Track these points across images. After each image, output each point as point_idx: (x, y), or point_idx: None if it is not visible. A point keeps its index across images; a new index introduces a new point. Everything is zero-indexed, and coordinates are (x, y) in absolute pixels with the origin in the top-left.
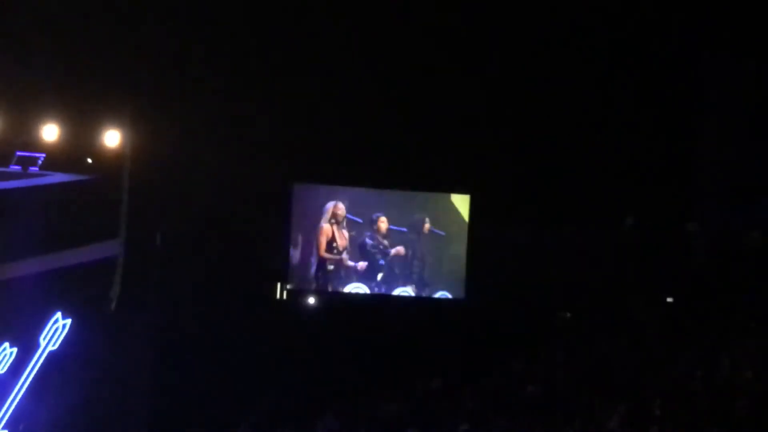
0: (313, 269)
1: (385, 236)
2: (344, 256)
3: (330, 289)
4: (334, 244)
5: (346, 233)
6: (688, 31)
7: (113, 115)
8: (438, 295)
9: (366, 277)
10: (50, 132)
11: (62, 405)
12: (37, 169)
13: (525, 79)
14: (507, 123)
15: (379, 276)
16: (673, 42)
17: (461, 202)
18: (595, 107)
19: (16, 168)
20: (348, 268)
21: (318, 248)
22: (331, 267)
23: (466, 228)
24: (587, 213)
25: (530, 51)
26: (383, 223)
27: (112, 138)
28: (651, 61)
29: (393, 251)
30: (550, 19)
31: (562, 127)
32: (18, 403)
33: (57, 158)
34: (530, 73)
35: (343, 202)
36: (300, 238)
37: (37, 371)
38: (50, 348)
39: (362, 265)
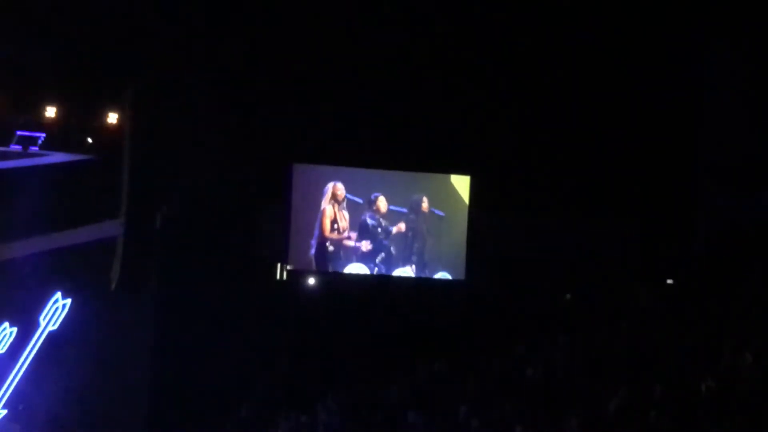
0: (313, 250)
1: (385, 216)
2: (346, 236)
3: (330, 269)
4: (336, 225)
5: (346, 214)
6: (691, 17)
7: (114, 95)
8: (438, 275)
9: (366, 257)
10: (50, 111)
11: (61, 385)
12: (37, 148)
13: (527, 61)
14: (508, 105)
15: (380, 257)
16: (677, 27)
17: (461, 184)
18: (597, 92)
19: (16, 147)
20: (349, 248)
21: (321, 229)
22: (331, 248)
23: (466, 209)
24: (588, 195)
25: (533, 33)
26: (383, 203)
27: (112, 118)
28: (654, 47)
29: (394, 229)
30: (553, 4)
31: (563, 109)
32: (17, 383)
33: (57, 138)
34: (533, 55)
35: (343, 183)
36: (300, 219)
37: (37, 351)
38: (50, 328)
39: (366, 245)
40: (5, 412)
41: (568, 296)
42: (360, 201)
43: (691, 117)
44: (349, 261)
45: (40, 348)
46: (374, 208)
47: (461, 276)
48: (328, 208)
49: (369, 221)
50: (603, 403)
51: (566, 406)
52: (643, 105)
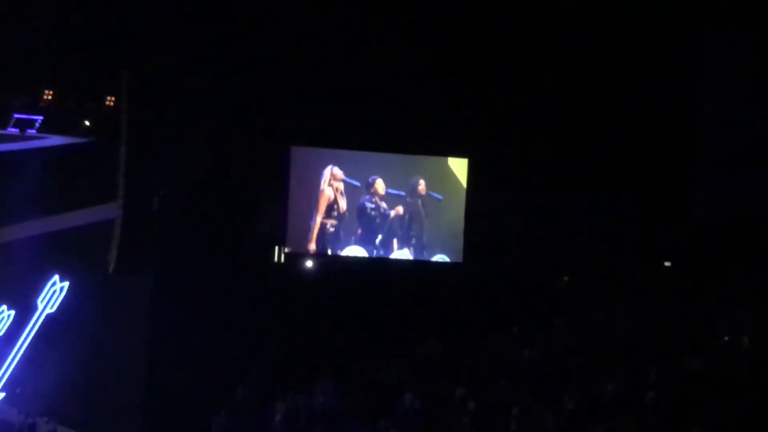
0: (312, 232)
1: (383, 199)
2: (344, 221)
3: (329, 252)
4: (335, 207)
5: (345, 196)
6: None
7: (111, 78)
8: (436, 258)
9: (364, 240)
10: (48, 94)
11: (58, 368)
12: (34, 131)
13: (525, 43)
14: (505, 87)
15: (378, 239)
16: (674, 12)
17: (458, 166)
18: (595, 72)
19: (13, 130)
20: (347, 231)
21: (319, 211)
22: (330, 230)
23: (463, 192)
24: (586, 177)
25: (531, 16)
26: (380, 186)
27: (110, 101)
28: (652, 30)
29: (392, 212)
30: None
31: (561, 91)
32: (15, 365)
33: (54, 121)
34: (530, 37)
35: (341, 166)
36: (298, 202)
37: (35, 333)
38: (48, 311)
39: (364, 228)
40: (3, 395)
41: (566, 278)
42: (357, 184)
43: (688, 99)
44: (347, 244)
45: (37, 331)
46: (372, 191)
47: (459, 259)
48: (327, 189)
49: (367, 204)
50: (600, 384)
51: (563, 388)
52: (640, 87)
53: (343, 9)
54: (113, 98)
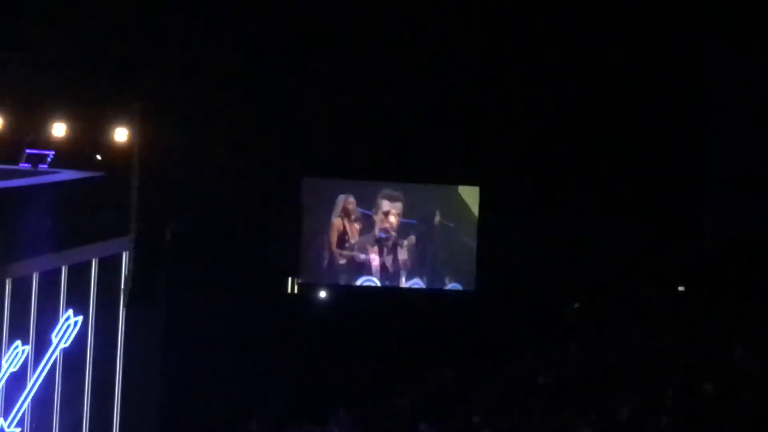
0: (325, 263)
1: (395, 229)
2: (356, 251)
3: (342, 282)
4: (347, 238)
5: (357, 226)
6: (700, 21)
7: (122, 112)
8: (449, 287)
9: (377, 270)
10: (59, 129)
11: (73, 402)
12: (46, 166)
13: (534, 69)
14: (516, 115)
15: (391, 269)
16: (685, 32)
17: (470, 195)
18: (604, 98)
19: (25, 166)
20: (360, 262)
21: (329, 243)
22: (342, 261)
23: (475, 220)
24: (597, 203)
25: (540, 42)
26: (393, 216)
27: (121, 134)
28: (663, 51)
29: (405, 242)
30: (560, 9)
31: (571, 116)
32: (30, 401)
33: (66, 155)
34: (539, 64)
35: (353, 196)
36: (311, 232)
37: (49, 369)
38: (62, 345)
39: (375, 259)
40: (18, 430)
41: (577, 305)
42: (369, 213)
43: (699, 120)
44: (360, 274)
45: (52, 365)
46: (384, 220)
47: (471, 287)
48: (336, 221)
49: (380, 235)
50: (614, 410)
51: (578, 415)
52: (651, 109)
53: (354, 40)
54: (125, 132)
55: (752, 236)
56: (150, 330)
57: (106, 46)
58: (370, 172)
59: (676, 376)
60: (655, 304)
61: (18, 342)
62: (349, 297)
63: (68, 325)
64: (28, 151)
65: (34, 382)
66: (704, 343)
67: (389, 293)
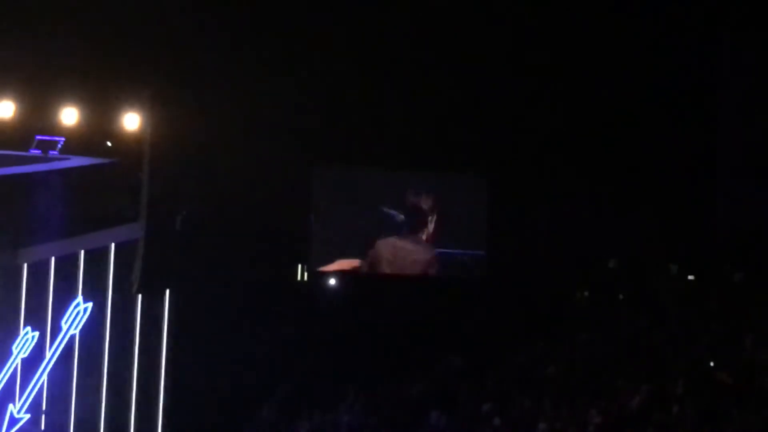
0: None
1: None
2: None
3: (351, 269)
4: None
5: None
6: (712, 13)
7: (133, 98)
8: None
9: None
10: (70, 115)
11: (83, 388)
12: (57, 153)
13: (544, 63)
14: (527, 103)
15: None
16: (697, 24)
17: (480, 184)
18: (616, 87)
19: (36, 152)
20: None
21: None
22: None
23: (485, 210)
24: (607, 193)
25: (551, 32)
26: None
27: (131, 121)
28: (674, 43)
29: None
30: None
31: (582, 108)
32: (40, 386)
33: (77, 142)
34: (549, 57)
35: (364, 183)
36: (321, 220)
37: (59, 355)
38: (72, 332)
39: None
40: (28, 416)
41: (586, 294)
42: (397, 215)
43: (711, 111)
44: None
45: (62, 351)
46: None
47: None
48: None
49: (396, 218)
50: (626, 398)
51: (589, 402)
52: (663, 100)
53: (366, 28)
54: (136, 118)
55: (763, 225)
56: (160, 317)
57: (118, 33)
58: (379, 161)
59: (687, 364)
60: (664, 293)
61: (28, 328)
62: (358, 284)
63: (78, 312)
64: (38, 137)
65: (43, 369)
66: (715, 332)
67: (400, 281)
